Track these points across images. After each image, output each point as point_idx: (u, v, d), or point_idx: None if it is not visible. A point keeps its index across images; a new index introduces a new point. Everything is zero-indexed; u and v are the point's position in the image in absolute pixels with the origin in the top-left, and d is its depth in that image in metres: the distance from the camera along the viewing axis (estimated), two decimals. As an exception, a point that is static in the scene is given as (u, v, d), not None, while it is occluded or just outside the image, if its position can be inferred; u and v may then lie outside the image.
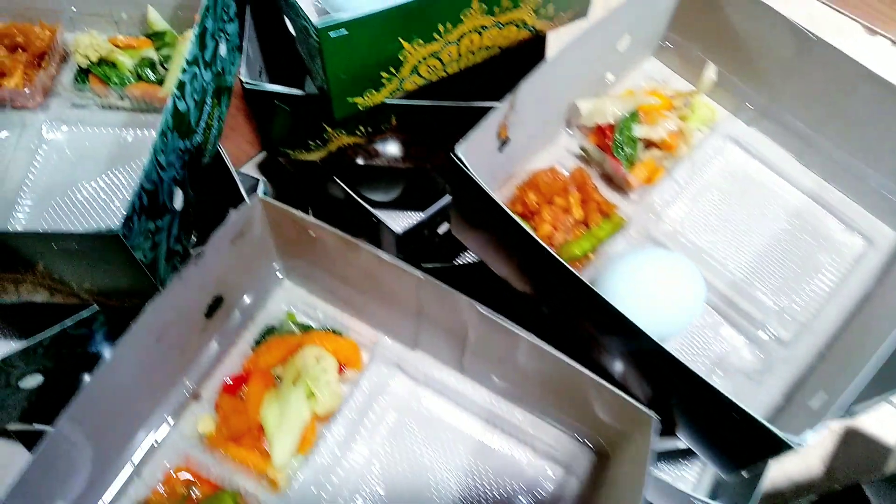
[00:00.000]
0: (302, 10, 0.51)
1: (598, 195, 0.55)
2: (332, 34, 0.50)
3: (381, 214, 0.67)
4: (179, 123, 0.48)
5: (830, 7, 1.06)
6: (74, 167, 0.57)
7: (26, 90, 0.57)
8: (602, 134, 0.58)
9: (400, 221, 0.82)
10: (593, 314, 0.45)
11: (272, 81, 0.70)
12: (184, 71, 0.48)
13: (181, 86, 0.47)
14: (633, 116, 0.57)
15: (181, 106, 0.48)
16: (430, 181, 0.79)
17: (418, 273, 0.41)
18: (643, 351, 0.43)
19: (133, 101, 0.58)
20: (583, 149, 0.59)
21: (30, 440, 0.57)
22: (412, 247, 0.70)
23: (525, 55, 0.65)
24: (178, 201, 0.49)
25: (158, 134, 0.45)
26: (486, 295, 0.78)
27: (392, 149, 0.70)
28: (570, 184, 0.55)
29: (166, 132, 0.46)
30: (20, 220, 0.54)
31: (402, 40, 0.54)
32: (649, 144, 0.57)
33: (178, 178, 0.48)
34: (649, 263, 0.49)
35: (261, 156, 0.93)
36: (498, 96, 0.74)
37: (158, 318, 0.40)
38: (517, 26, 0.60)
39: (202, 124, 0.53)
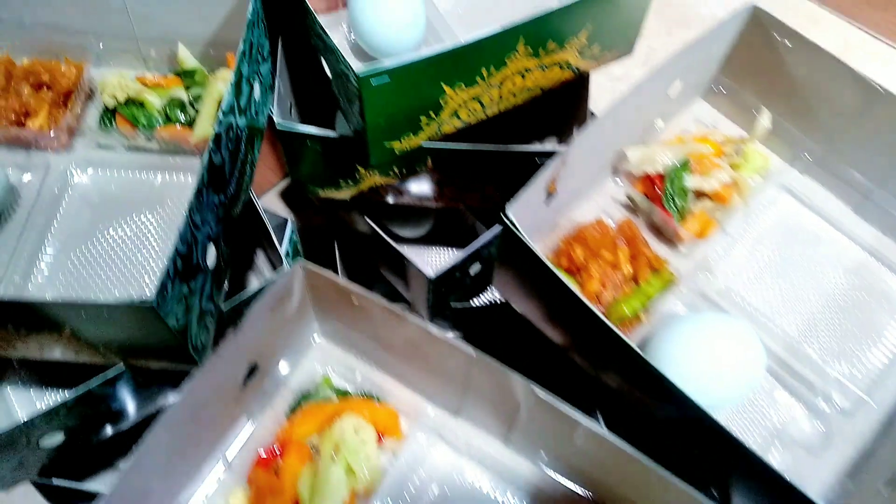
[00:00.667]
0: (342, 56, 0.48)
1: (648, 250, 0.52)
2: (374, 81, 0.48)
3: (411, 255, 0.65)
4: (215, 178, 0.46)
5: (868, 34, 1.03)
6: (100, 212, 0.55)
7: (51, 133, 0.54)
8: (650, 183, 0.55)
9: (428, 258, 0.80)
10: (643, 380, 0.43)
11: (302, 116, 0.68)
12: (219, 122, 0.46)
13: (217, 139, 0.45)
14: (685, 166, 0.54)
15: (216, 159, 0.46)
16: (463, 221, 0.77)
17: (470, 350, 0.39)
18: (696, 422, 0.40)
19: (161, 143, 0.56)
20: (630, 198, 0.56)
21: (50, 493, 0.55)
22: (443, 289, 0.68)
23: (567, 94, 0.63)
24: (212, 258, 0.46)
25: (194, 193, 0.42)
26: (512, 334, 0.75)
27: (425, 188, 0.67)
28: (617, 237, 0.53)
29: (202, 190, 0.43)
30: (42, 271, 0.52)
31: (444, 85, 0.51)
32: (700, 195, 0.55)
33: (212, 234, 0.46)
34: (707, 329, 0.46)
35: (283, 183, 0.91)
36: (537, 135, 0.71)
37: (194, 399, 0.38)
38: (561, 67, 0.58)
39: (235, 174, 0.50)
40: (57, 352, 0.48)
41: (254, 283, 0.63)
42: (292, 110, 0.65)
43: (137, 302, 0.39)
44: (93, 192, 0.55)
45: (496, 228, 0.67)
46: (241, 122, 0.50)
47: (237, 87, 0.48)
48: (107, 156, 0.57)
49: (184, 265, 0.42)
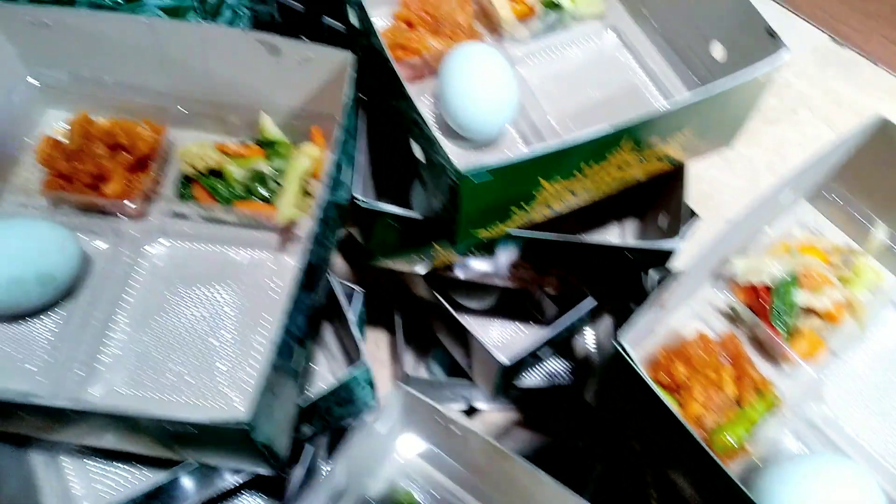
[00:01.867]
0: (441, 148, 0.46)
1: (754, 371, 0.49)
2: (475, 179, 0.45)
3: (472, 323, 0.62)
4: (310, 278, 0.43)
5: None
6: (173, 286, 0.52)
7: (127, 202, 0.52)
8: (754, 294, 0.52)
9: (489, 329, 0.77)
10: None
11: (377, 185, 0.65)
12: (318, 220, 0.43)
13: (315, 238, 0.42)
14: (794, 280, 0.51)
15: (313, 259, 0.43)
16: (530, 297, 0.74)
17: None
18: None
19: (240, 216, 0.53)
20: (732, 308, 0.53)
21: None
22: (512, 372, 0.65)
23: (657, 182, 0.60)
24: (297, 361, 0.44)
25: (292, 300, 0.40)
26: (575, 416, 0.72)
27: (500, 267, 0.64)
28: (720, 353, 0.49)
29: (301, 297, 0.41)
30: (111, 349, 0.50)
31: (541, 179, 0.49)
32: (809, 311, 0.51)
33: (301, 335, 0.43)
34: (823, 476, 0.42)
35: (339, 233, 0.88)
36: (617, 215, 0.69)
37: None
38: (659, 159, 0.55)
39: (324, 265, 0.48)
40: (115, 442, 0.46)
41: (321, 359, 0.60)
42: (367, 181, 0.63)
43: (232, 423, 0.36)
44: (166, 264, 0.53)
45: (572, 315, 0.65)
46: (332, 210, 0.48)
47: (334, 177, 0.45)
48: (182, 226, 0.54)
49: (275, 375, 0.40)
